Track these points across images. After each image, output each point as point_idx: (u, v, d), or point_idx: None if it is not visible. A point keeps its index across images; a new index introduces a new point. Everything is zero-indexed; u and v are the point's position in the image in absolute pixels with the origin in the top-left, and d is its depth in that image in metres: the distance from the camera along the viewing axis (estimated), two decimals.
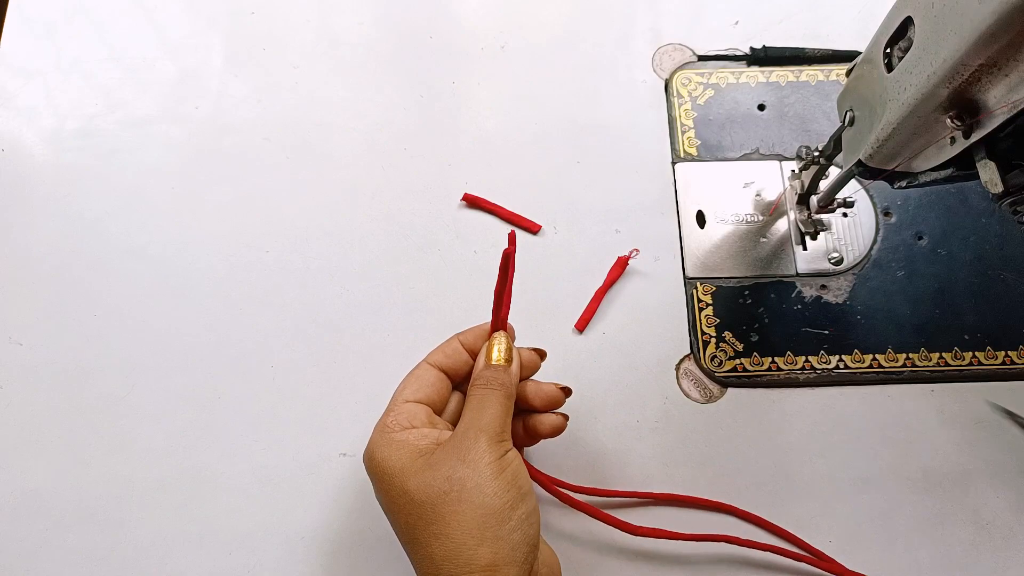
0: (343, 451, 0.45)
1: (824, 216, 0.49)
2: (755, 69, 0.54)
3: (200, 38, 0.56)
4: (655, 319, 0.47)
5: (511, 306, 0.38)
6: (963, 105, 0.31)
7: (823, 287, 0.49)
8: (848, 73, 0.39)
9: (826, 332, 0.47)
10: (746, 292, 0.49)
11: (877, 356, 0.47)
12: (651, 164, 0.52)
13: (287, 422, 0.46)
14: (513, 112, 0.54)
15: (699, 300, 0.48)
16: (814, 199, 0.48)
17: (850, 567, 0.42)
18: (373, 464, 0.35)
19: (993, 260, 0.49)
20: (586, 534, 0.43)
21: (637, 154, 0.52)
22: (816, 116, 0.53)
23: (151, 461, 0.45)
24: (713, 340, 0.47)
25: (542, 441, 0.40)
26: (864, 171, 0.39)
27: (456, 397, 0.39)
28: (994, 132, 0.31)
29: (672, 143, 0.53)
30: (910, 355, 0.47)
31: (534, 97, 0.54)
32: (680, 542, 0.41)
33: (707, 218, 0.51)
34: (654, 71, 0.55)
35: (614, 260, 0.49)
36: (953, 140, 0.33)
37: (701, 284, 0.49)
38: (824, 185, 0.47)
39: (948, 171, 0.35)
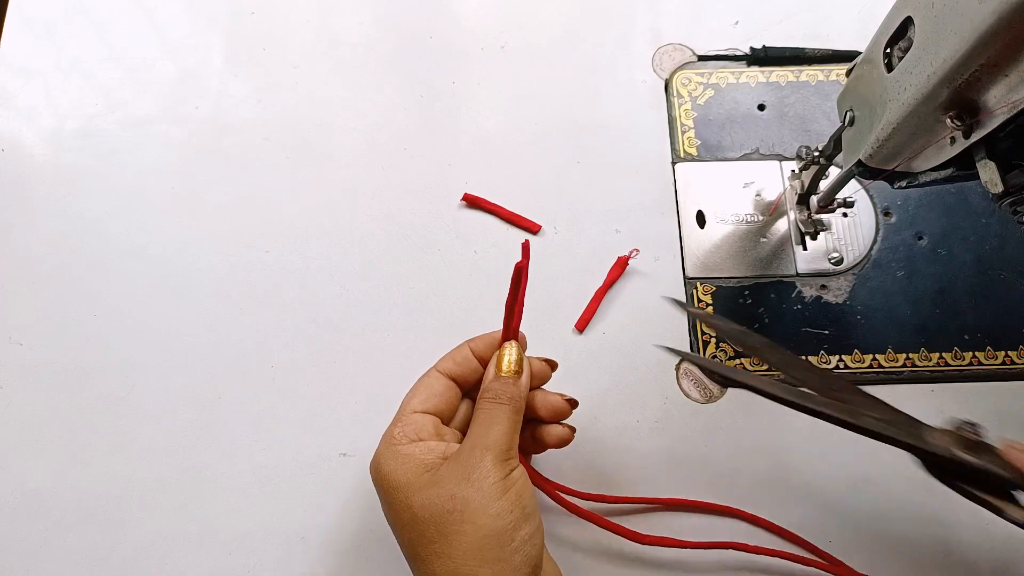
0: (343, 451, 0.45)
1: (824, 216, 0.49)
2: (755, 69, 0.54)
3: (200, 38, 0.56)
4: (655, 319, 0.47)
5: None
6: (963, 105, 0.31)
7: (823, 287, 0.49)
8: (848, 73, 0.39)
9: (826, 332, 0.47)
10: (746, 292, 0.49)
11: (877, 356, 0.47)
12: (651, 164, 0.52)
13: (287, 422, 0.46)
14: (513, 112, 0.54)
15: (699, 300, 0.48)
16: (814, 199, 0.48)
17: (851, 566, 0.41)
18: (379, 476, 0.35)
19: (993, 260, 0.49)
20: (592, 542, 0.43)
21: (637, 154, 0.52)
22: (816, 116, 0.53)
23: (151, 461, 0.45)
24: (713, 340, 0.47)
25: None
26: (864, 171, 0.39)
27: (466, 404, 0.39)
28: (994, 132, 0.31)
29: (672, 143, 0.53)
30: (910, 355, 0.47)
31: (534, 97, 0.54)
32: (688, 550, 0.41)
33: (707, 218, 0.51)
34: (654, 71, 0.55)
35: (614, 260, 0.49)
36: (953, 140, 0.33)
37: (701, 284, 0.49)
38: (824, 185, 0.47)
39: (948, 171, 0.35)
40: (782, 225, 0.50)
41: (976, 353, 0.47)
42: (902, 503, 0.44)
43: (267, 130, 0.53)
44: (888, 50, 0.35)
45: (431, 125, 0.53)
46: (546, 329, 0.47)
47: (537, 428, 0.39)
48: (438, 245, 0.50)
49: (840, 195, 0.46)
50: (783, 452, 0.45)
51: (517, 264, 0.36)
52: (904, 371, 0.47)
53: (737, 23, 0.56)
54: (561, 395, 0.38)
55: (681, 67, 0.55)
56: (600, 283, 0.48)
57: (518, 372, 0.37)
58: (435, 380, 0.37)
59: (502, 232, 0.50)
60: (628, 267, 0.49)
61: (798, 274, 0.49)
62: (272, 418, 0.46)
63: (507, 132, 0.53)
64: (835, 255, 0.49)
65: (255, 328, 0.48)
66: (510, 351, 0.37)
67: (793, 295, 0.48)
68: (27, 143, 0.53)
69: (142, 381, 0.46)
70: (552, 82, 0.54)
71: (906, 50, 0.33)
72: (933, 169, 0.36)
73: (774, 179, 0.51)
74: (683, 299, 0.48)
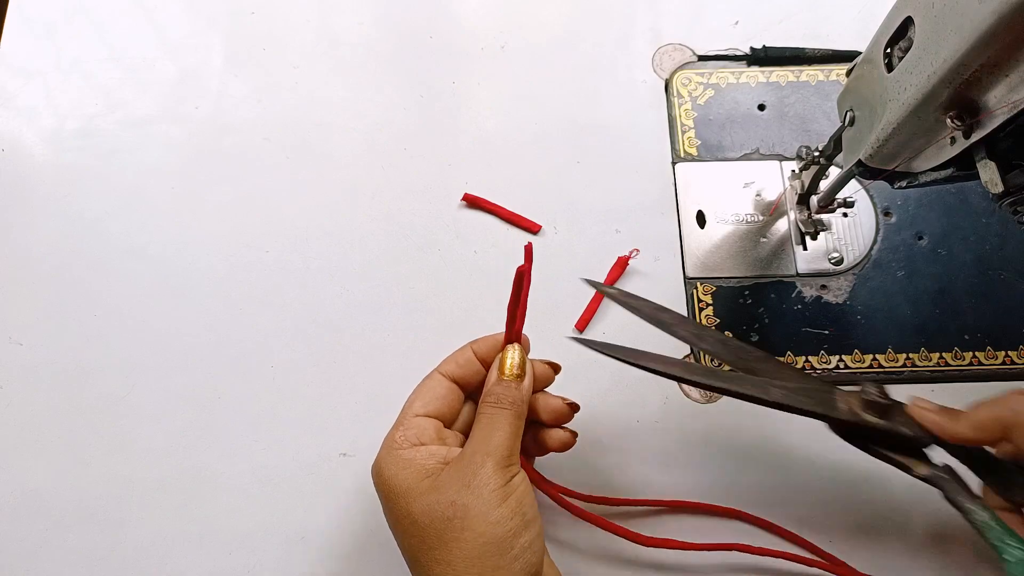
0: (343, 451, 0.45)
1: (824, 216, 0.49)
2: (755, 69, 0.54)
3: (200, 38, 0.56)
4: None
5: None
6: (963, 105, 0.31)
7: (823, 287, 0.49)
8: (848, 73, 0.39)
9: (826, 332, 0.47)
10: (746, 292, 0.49)
11: (877, 356, 0.47)
12: (651, 164, 0.52)
13: (287, 422, 0.46)
14: (513, 112, 0.54)
15: (699, 300, 0.48)
16: (814, 199, 0.48)
17: (853, 566, 0.41)
18: (380, 481, 0.35)
19: (993, 260, 0.49)
20: (594, 544, 0.43)
21: (637, 154, 0.52)
22: (816, 116, 0.53)
23: (151, 461, 0.45)
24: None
25: None
26: (864, 171, 0.39)
27: (468, 407, 0.39)
28: (994, 132, 0.31)
29: (672, 143, 0.53)
30: (910, 355, 0.47)
31: (534, 97, 0.54)
32: (691, 552, 0.41)
33: (707, 218, 0.51)
34: (654, 71, 0.55)
35: (614, 260, 0.49)
36: (953, 140, 0.33)
37: (701, 284, 0.49)
38: (824, 185, 0.47)
39: (948, 171, 0.35)
40: (782, 225, 0.50)
41: (976, 353, 0.47)
42: (903, 503, 0.44)
43: (267, 130, 0.53)
44: (888, 50, 0.35)
45: (431, 125, 0.53)
46: (546, 329, 0.47)
47: (539, 431, 0.39)
48: (438, 245, 0.50)
49: (840, 195, 0.46)
50: (783, 452, 0.45)
51: (519, 268, 0.36)
52: (904, 371, 0.47)
53: (737, 23, 0.56)
54: (563, 399, 0.38)
55: (681, 67, 0.55)
56: (600, 283, 0.48)
57: (520, 375, 0.37)
58: (437, 383, 0.37)
59: (502, 232, 0.50)
60: (628, 267, 0.49)
61: (798, 274, 0.49)
62: (272, 418, 0.46)
63: (507, 132, 0.53)
64: (835, 255, 0.49)
65: (255, 328, 0.48)
66: (512, 354, 0.37)
67: (793, 295, 0.48)
68: (27, 143, 0.53)
69: (142, 381, 0.46)
70: (552, 82, 0.54)
71: (906, 50, 0.33)
72: (933, 169, 0.36)
73: (774, 179, 0.51)
74: (683, 299, 0.48)
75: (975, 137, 0.31)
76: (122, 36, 0.56)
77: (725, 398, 0.46)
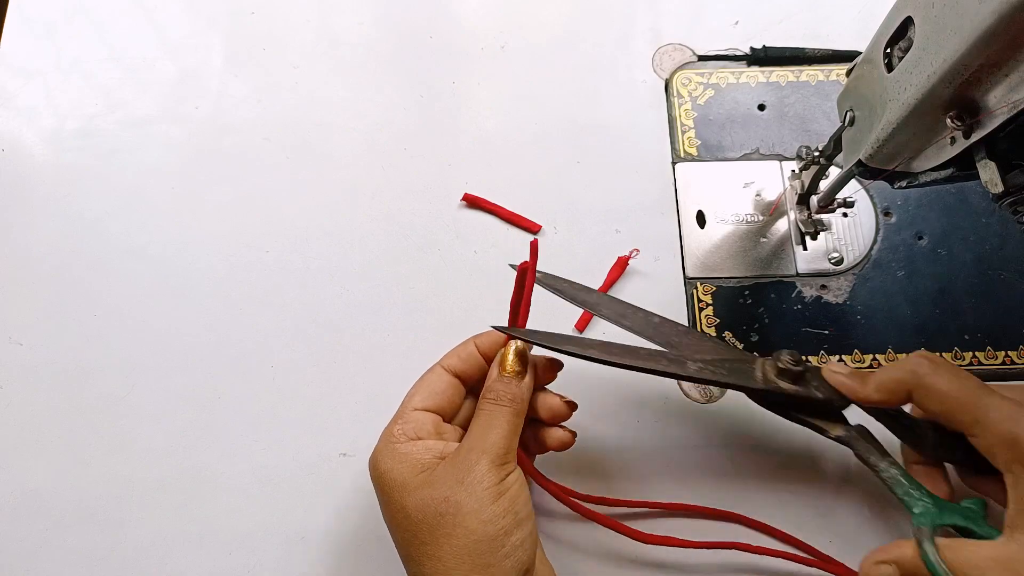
0: (343, 451, 0.45)
1: (824, 216, 0.49)
2: (755, 69, 0.54)
3: (200, 38, 0.56)
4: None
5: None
6: (963, 105, 0.31)
7: (823, 287, 0.49)
8: (848, 73, 0.39)
9: (826, 332, 0.47)
10: (746, 292, 0.49)
11: (877, 356, 0.47)
12: (651, 164, 0.52)
13: (287, 422, 0.46)
14: (513, 112, 0.54)
15: (699, 300, 0.48)
16: (814, 199, 0.48)
17: (851, 567, 0.41)
18: (376, 474, 0.35)
19: (993, 260, 0.49)
20: (593, 542, 0.43)
21: (637, 154, 0.52)
22: (816, 116, 0.53)
23: (151, 461, 0.45)
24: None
25: None
26: (864, 171, 0.39)
27: (469, 402, 0.39)
28: (994, 132, 0.31)
29: (672, 143, 0.53)
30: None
31: (534, 97, 0.54)
32: (689, 550, 0.41)
33: (707, 218, 0.51)
34: (654, 71, 0.55)
35: (614, 260, 0.49)
36: (953, 140, 0.33)
37: (701, 284, 0.49)
38: (824, 185, 0.47)
39: (948, 171, 0.35)
40: (782, 225, 0.50)
41: (976, 353, 0.47)
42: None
43: (267, 130, 0.53)
44: (888, 50, 0.35)
45: (431, 125, 0.53)
46: (546, 329, 0.47)
47: (539, 429, 0.39)
48: (438, 245, 0.50)
49: (840, 195, 0.46)
50: (783, 451, 0.45)
51: (522, 263, 0.36)
52: None
53: (737, 23, 0.56)
54: (561, 397, 0.38)
55: (681, 67, 0.55)
56: (600, 283, 0.48)
57: (521, 372, 0.37)
58: (438, 377, 0.37)
59: (502, 232, 0.50)
60: (628, 267, 0.49)
61: (798, 274, 0.49)
62: (272, 418, 0.46)
63: (507, 132, 0.53)
64: (835, 255, 0.49)
65: (255, 328, 0.48)
66: (514, 350, 0.37)
67: (793, 295, 0.48)
68: (27, 143, 0.53)
69: (142, 381, 0.46)
70: (552, 82, 0.54)
71: (906, 50, 0.33)
72: (933, 169, 0.36)
73: (774, 179, 0.51)
74: (683, 299, 0.48)
75: (975, 137, 0.31)
76: (122, 36, 0.56)
77: (725, 398, 0.46)
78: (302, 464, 0.45)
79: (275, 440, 0.45)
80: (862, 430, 0.38)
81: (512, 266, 0.43)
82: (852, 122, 0.39)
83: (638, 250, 0.49)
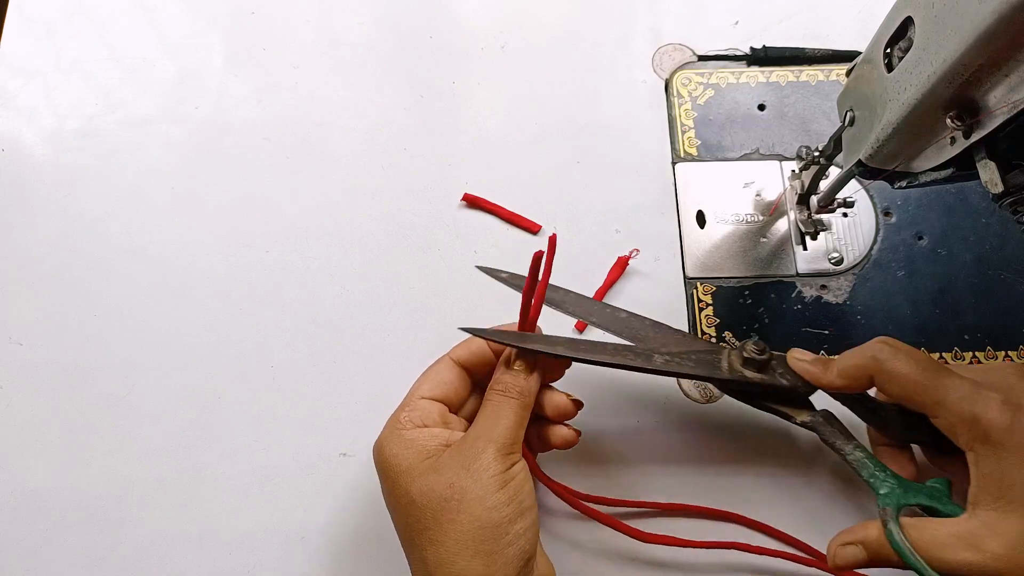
0: (343, 451, 0.45)
1: (824, 216, 0.49)
2: (755, 69, 0.54)
3: (200, 38, 0.56)
4: (655, 319, 0.47)
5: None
6: (963, 105, 0.31)
7: (823, 287, 0.49)
8: (848, 73, 0.39)
9: (826, 332, 0.47)
10: (746, 292, 0.49)
11: None
12: (651, 164, 0.52)
13: (287, 422, 0.46)
14: (513, 112, 0.54)
15: (699, 300, 0.48)
16: (814, 199, 0.48)
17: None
18: (381, 459, 0.35)
19: (993, 260, 0.49)
20: (592, 540, 0.43)
21: (637, 154, 0.52)
22: (816, 116, 0.53)
23: (151, 461, 0.45)
24: (713, 340, 0.47)
25: None
26: (864, 171, 0.39)
27: (476, 395, 0.39)
28: (994, 132, 0.31)
29: (672, 143, 0.53)
30: None
31: (534, 97, 0.54)
32: (690, 550, 0.41)
33: (707, 218, 0.51)
34: (654, 71, 0.55)
35: (614, 260, 0.49)
36: (953, 140, 0.33)
37: (701, 284, 0.49)
38: (824, 185, 0.47)
39: (948, 171, 0.35)
40: (782, 225, 0.50)
41: (976, 353, 0.47)
42: None
43: (267, 130, 0.53)
44: (888, 50, 0.35)
45: (431, 125, 0.53)
46: (547, 329, 0.47)
47: (543, 427, 0.39)
48: (438, 245, 0.50)
49: (840, 195, 0.46)
50: (783, 452, 0.45)
51: (536, 253, 0.36)
52: None
53: (737, 23, 0.56)
54: (567, 395, 0.39)
55: (681, 67, 0.55)
56: (600, 283, 0.48)
57: (530, 366, 0.37)
58: (446, 368, 0.38)
59: (502, 232, 0.50)
60: (628, 267, 0.49)
61: (798, 274, 0.49)
62: (272, 418, 0.46)
63: (507, 132, 0.53)
64: (835, 255, 0.49)
65: (255, 328, 0.48)
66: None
67: (793, 295, 0.48)
68: (27, 143, 0.53)
69: (142, 381, 0.46)
70: (552, 82, 0.54)
71: (906, 50, 0.33)
72: (933, 169, 0.36)
73: (774, 179, 0.51)
74: (683, 299, 0.48)
75: (975, 137, 0.31)
76: (122, 36, 0.56)
77: (725, 398, 0.46)
78: (302, 464, 0.45)
79: (275, 440, 0.45)
80: (827, 415, 0.38)
81: (479, 267, 0.44)
82: (852, 122, 0.39)
83: (638, 250, 0.49)
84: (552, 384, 0.40)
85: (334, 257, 0.50)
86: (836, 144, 0.43)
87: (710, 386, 0.46)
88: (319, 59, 0.55)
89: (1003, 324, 0.47)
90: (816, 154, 0.45)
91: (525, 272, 0.42)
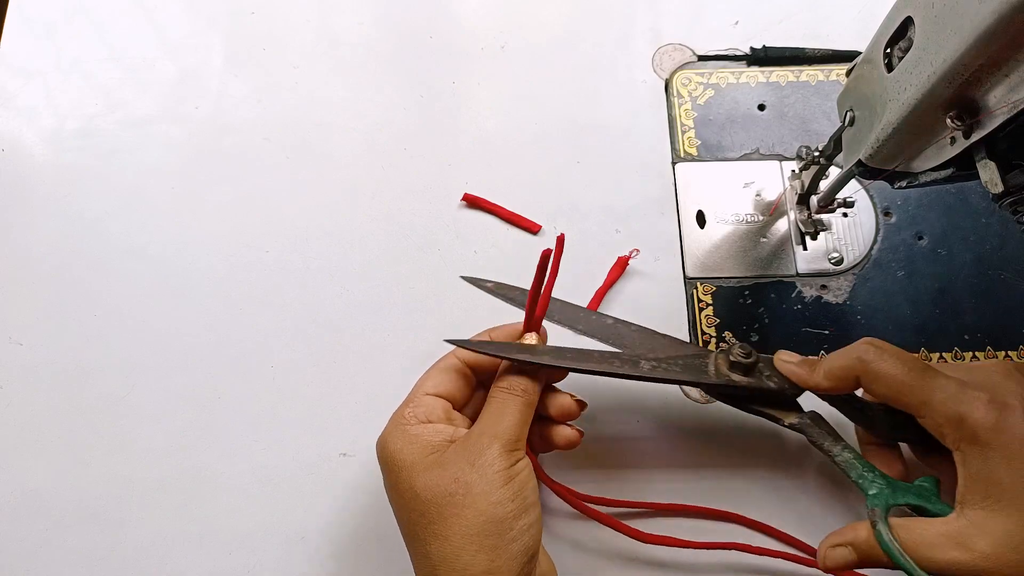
0: (343, 451, 0.45)
1: (824, 216, 0.49)
2: (755, 69, 0.54)
3: (200, 38, 0.56)
4: (655, 319, 0.47)
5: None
6: (963, 105, 0.31)
7: (823, 287, 0.49)
8: (848, 73, 0.39)
9: (826, 332, 0.47)
10: (746, 292, 0.49)
11: None
12: (651, 164, 0.52)
13: (287, 422, 0.46)
14: (513, 112, 0.54)
15: (699, 300, 0.48)
16: (814, 199, 0.48)
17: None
18: (385, 454, 0.35)
19: (993, 260, 0.49)
20: (593, 540, 0.43)
21: (637, 154, 0.52)
22: (816, 116, 0.53)
23: (151, 461, 0.45)
24: (713, 340, 0.47)
25: None
26: (864, 171, 0.39)
27: (480, 394, 0.39)
28: (994, 132, 0.31)
29: (672, 143, 0.53)
30: None
31: (534, 97, 0.54)
32: (690, 550, 0.41)
33: (707, 218, 0.51)
34: (654, 71, 0.55)
35: (614, 260, 0.49)
36: (953, 140, 0.33)
37: (701, 284, 0.49)
38: (824, 185, 0.47)
39: (948, 171, 0.35)
40: (782, 225, 0.50)
41: (976, 353, 0.47)
42: None
43: (267, 130, 0.53)
44: (888, 50, 0.35)
45: (431, 125, 0.53)
46: (547, 329, 0.47)
47: (546, 427, 0.39)
48: (438, 245, 0.50)
49: (840, 195, 0.46)
50: (784, 452, 0.45)
51: (544, 251, 0.36)
52: None
53: (737, 23, 0.56)
54: (572, 396, 0.39)
55: (681, 67, 0.55)
56: (600, 283, 0.48)
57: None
58: (450, 365, 0.38)
59: (502, 232, 0.50)
60: (628, 267, 0.49)
61: (798, 274, 0.49)
62: (272, 418, 0.46)
63: (507, 132, 0.53)
64: (835, 255, 0.49)
65: (255, 328, 0.48)
66: (530, 342, 0.38)
67: (793, 295, 0.48)
68: (27, 143, 0.53)
69: (142, 381, 0.46)
70: (552, 82, 0.54)
71: (906, 50, 0.33)
72: (933, 169, 0.36)
73: (774, 179, 0.51)
74: (683, 299, 0.48)
75: (975, 137, 0.31)
76: (122, 36, 0.56)
77: None
78: (302, 464, 0.45)
79: (275, 440, 0.45)
80: (815, 416, 0.38)
81: (463, 278, 0.44)
82: (852, 122, 0.39)
83: (638, 250, 0.49)
84: (555, 385, 0.40)
85: (334, 257, 0.50)
86: (836, 144, 0.43)
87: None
88: (319, 59, 0.55)
89: (1003, 324, 0.47)
90: (816, 154, 0.45)
91: (511, 281, 0.42)
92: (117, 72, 0.55)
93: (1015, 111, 0.29)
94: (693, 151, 0.52)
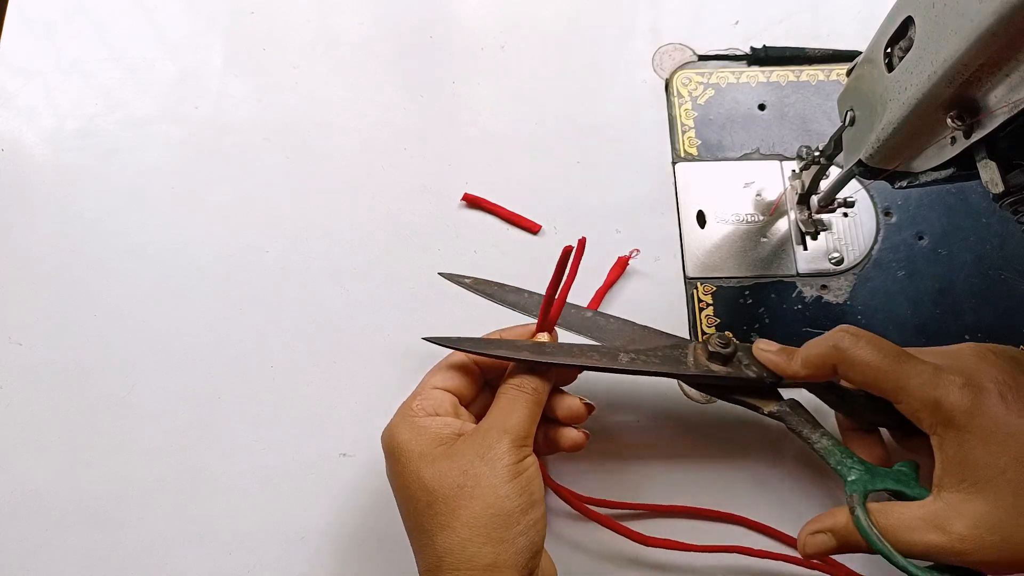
0: (343, 451, 0.45)
1: (824, 216, 0.49)
2: (755, 69, 0.54)
3: (200, 38, 0.56)
4: (655, 319, 0.47)
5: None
6: (964, 105, 0.31)
7: (823, 287, 0.49)
8: (848, 73, 0.39)
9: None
10: (746, 292, 0.49)
11: None
12: (651, 164, 0.52)
13: (287, 422, 0.46)
14: (513, 112, 0.54)
15: (699, 300, 0.48)
16: (814, 199, 0.48)
17: (852, 568, 0.41)
18: (392, 445, 0.35)
19: (993, 260, 0.49)
20: (594, 542, 0.43)
21: (637, 154, 0.52)
22: (816, 116, 0.53)
23: (151, 461, 0.45)
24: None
25: None
26: (864, 171, 0.39)
27: (486, 393, 0.39)
28: (995, 132, 0.31)
29: (672, 143, 0.53)
30: None
31: (534, 97, 0.54)
32: (691, 553, 0.41)
33: (707, 218, 0.51)
34: (654, 71, 0.55)
35: (614, 260, 0.49)
36: (954, 140, 0.33)
37: (701, 284, 0.49)
38: (824, 185, 0.47)
39: (949, 171, 0.35)
40: (782, 225, 0.50)
41: None
42: None
43: (267, 130, 0.53)
44: (888, 50, 0.35)
45: (431, 125, 0.53)
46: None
47: (552, 429, 0.39)
48: (438, 245, 0.50)
49: (840, 195, 0.46)
50: (783, 452, 0.45)
51: (565, 247, 0.36)
52: None
53: (737, 23, 0.56)
54: (580, 399, 0.39)
55: (681, 67, 0.55)
56: (600, 283, 0.48)
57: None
58: (459, 361, 0.38)
59: (502, 232, 0.50)
60: (628, 267, 0.49)
61: (798, 274, 0.49)
62: (272, 418, 0.46)
63: (507, 132, 0.53)
64: (835, 255, 0.49)
65: (255, 328, 0.48)
66: (542, 340, 0.38)
67: (793, 295, 0.48)
68: (27, 143, 0.53)
69: (142, 381, 0.46)
70: (552, 82, 0.54)
71: (906, 50, 0.33)
72: (934, 169, 0.36)
73: (774, 179, 0.51)
74: (683, 299, 0.48)
75: (975, 137, 0.31)
76: (122, 36, 0.56)
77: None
78: (302, 464, 0.45)
79: (275, 440, 0.45)
80: (794, 404, 0.39)
81: (441, 274, 0.44)
82: (852, 122, 0.39)
83: (638, 250, 0.49)
84: (563, 388, 0.40)
85: (334, 257, 0.50)
86: (836, 144, 0.43)
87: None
88: (319, 59, 0.55)
89: (1003, 324, 0.47)
90: (816, 154, 0.45)
91: (512, 282, 0.42)
92: (117, 72, 0.55)
93: (1015, 111, 0.29)
94: (693, 151, 0.52)
